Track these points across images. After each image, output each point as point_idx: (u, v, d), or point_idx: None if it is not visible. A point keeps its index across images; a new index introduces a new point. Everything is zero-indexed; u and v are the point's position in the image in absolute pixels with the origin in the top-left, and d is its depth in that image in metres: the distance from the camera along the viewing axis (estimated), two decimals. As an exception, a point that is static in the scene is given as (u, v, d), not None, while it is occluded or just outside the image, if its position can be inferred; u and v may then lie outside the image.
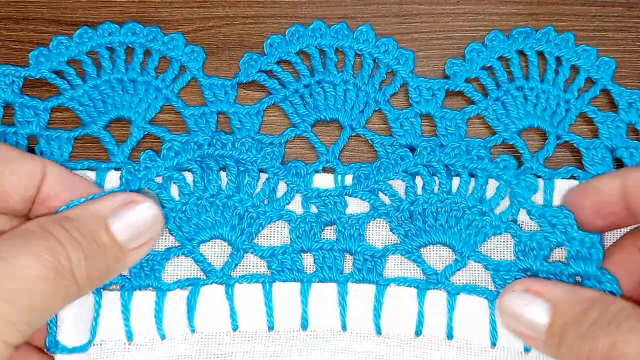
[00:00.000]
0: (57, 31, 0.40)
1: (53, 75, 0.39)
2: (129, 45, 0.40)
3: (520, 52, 0.40)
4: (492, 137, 0.39)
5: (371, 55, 0.40)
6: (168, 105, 0.40)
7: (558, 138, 0.39)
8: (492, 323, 0.37)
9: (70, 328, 0.36)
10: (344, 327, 0.38)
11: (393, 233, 0.38)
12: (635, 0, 0.41)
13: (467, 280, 0.38)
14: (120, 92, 0.39)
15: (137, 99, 0.39)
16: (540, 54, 0.40)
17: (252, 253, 0.38)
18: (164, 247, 0.38)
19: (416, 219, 0.38)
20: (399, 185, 0.38)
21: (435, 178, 0.38)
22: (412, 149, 0.39)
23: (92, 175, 0.38)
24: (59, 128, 0.39)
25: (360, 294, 0.38)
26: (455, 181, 0.38)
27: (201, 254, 0.38)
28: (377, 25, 0.41)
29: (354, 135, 0.40)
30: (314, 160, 0.39)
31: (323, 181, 0.39)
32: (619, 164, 0.39)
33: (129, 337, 0.37)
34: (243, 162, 0.38)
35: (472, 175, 0.38)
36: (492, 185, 0.38)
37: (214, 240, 0.39)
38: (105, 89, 0.39)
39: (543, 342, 0.33)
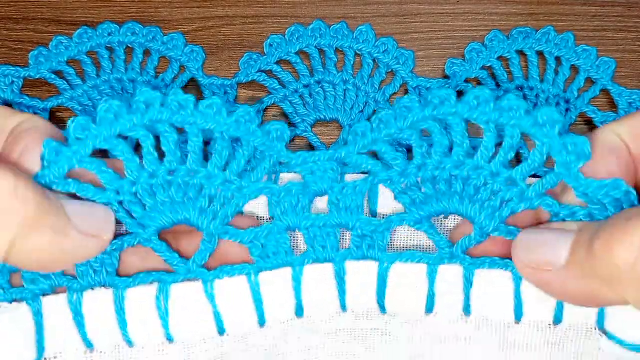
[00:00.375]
0: (57, 31, 0.40)
1: (53, 76, 0.39)
2: (129, 45, 0.40)
3: (520, 52, 0.40)
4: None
5: (371, 55, 0.40)
6: (168, 105, 0.40)
7: (558, 138, 0.39)
8: (517, 296, 0.31)
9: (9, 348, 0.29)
10: (343, 308, 0.32)
11: (397, 201, 0.32)
12: (635, 0, 0.41)
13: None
14: (120, 92, 0.39)
15: (137, 99, 0.39)
16: (540, 54, 0.40)
17: (228, 238, 0.31)
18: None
19: (424, 186, 0.31)
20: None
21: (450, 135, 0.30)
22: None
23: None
24: (59, 128, 0.39)
25: (361, 272, 0.31)
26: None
27: (162, 242, 0.31)
28: (377, 25, 0.41)
29: (353, 135, 0.40)
30: (313, 160, 0.39)
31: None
32: (619, 164, 0.38)
33: (89, 345, 0.30)
34: (209, 129, 0.30)
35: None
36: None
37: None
38: (105, 89, 0.39)
39: (567, 263, 0.26)
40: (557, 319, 0.31)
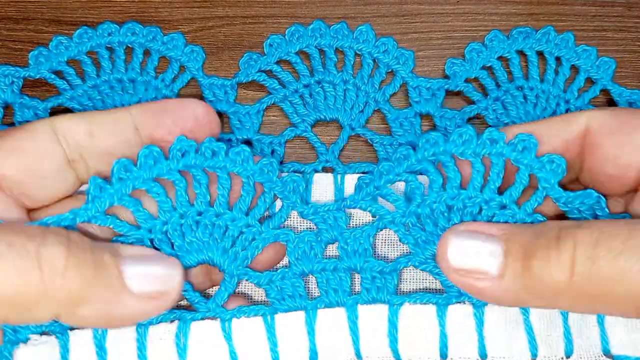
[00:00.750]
0: (57, 31, 0.40)
1: (53, 76, 0.39)
2: (129, 45, 0.40)
3: (520, 52, 0.40)
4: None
5: (371, 55, 0.40)
6: (168, 105, 0.40)
7: (558, 138, 0.39)
8: (529, 333, 0.33)
9: None
10: (358, 355, 0.33)
11: (403, 243, 0.34)
12: (635, 0, 0.41)
13: None
14: (120, 92, 0.39)
15: (137, 99, 0.39)
16: (540, 54, 0.40)
17: (247, 280, 0.34)
18: None
19: (425, 223, 0.33)
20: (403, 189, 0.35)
21: (443, 172, 0.33)
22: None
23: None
24: (59, 128, 0.39)
25: (372, 315, 0.33)
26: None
27: (187, 282, 0.33)
28: (377, 25, 0.41)
29: (353, 135, 0.40)
30: (313, 160, 0.39)
31: (323, 180, 0.38)
32: (619, 164, 0.38)
33: None
34: (238, 174, 0.33)
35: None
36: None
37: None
38: (104, 89, 0.39)
39: (501, 279, 0.29)
40: (568, 352, 0.33)
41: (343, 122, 0.39)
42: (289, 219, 0.37)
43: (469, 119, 0.40)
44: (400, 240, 0.34)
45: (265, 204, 0.34)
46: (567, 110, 0.39)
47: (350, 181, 0.38)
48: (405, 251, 0.36)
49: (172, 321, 0.33)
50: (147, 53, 0.40)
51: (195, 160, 0.32)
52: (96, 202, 0.31)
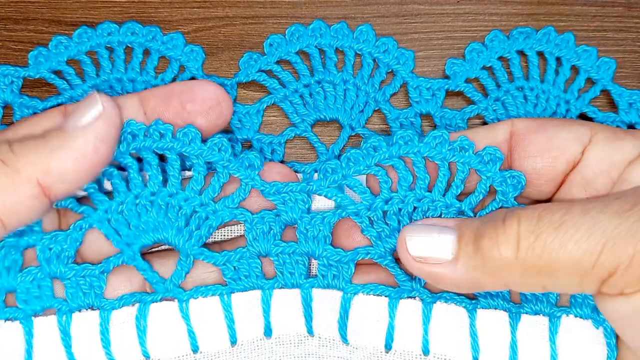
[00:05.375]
0: (57, 31, 0.40)
1: (52, 75, 0.39)
2: (128, 45, 0.40)
3: (521, 53, 0.40)
4: (492, 137, 0.39)
5: (371, 55, 0.40)
6: (168, 105, 0.40)
7: (558, 138, 0.39)
8: (473, 335, 0.33)
9: None
10: (310, 332, 0.34)
11: (364, 235, 0.34)
12: (636, 0, 0.41)
13: None
14: (120, 91, 0.39)
15: (137, 99, 0.39)
16: (540, 54, 0.40)
17: (202, 259, 0.34)
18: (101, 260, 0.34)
19: (390, 219, 0.34)
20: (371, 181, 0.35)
21: (413, 171, 0.34)
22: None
23: None
24: (59, 128, 0.39)
25: (327, 300, 0.34)
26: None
27: (145, 261, 0.34)
28: (377, 25, 0.41)
29: (353, 135, 0.40)
30: (313, 160, 0.39)
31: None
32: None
33: None
34: (186, 155, 0.33)
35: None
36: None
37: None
38: (104, 89, 0.39)
39: (456, 262, 0.30)
40: (513, 355, 0.33)
41: (343, 122, 0.39)
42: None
43: (469, 119, 0.39)
44: (362, 232, 0.34)
45: (219, 182, 0.34)
46: (567, 111, 0.39)
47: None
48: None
49: (133, 304, 0.33)
50: (146, 53, 0.40)
51: (144, 142, 0.33)
52: None
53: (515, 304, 0.34)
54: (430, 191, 0.34)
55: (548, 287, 0.29)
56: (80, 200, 0.34)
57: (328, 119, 0.39)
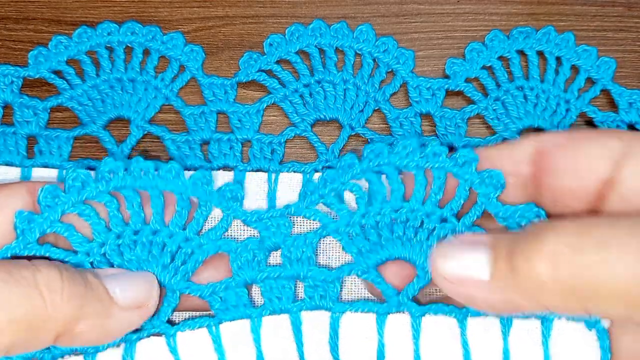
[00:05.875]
0: (57, 31, 0.40)
1: (52, 75, 0.39)
2: (128, 45, 0.40)
3: (521, 52, 0.40)
4: (492, 137, 0.39)
5: (371, 55, 0.40)
6: (167, 105, 0.40)
7: (558, 138, 0.39)
8: (465, 346, 0.33)
9: None
10: (302, 358, 0.33)
11: (345, 252, 0.34)
12: (636, 0, 0.41)
13: (435, 299, 0.34)
14: (120, 91, 0.39)
15: (137, 99, 0.39)
16: (540, 53, 0.40)
17: (189, 293, 0.33)
18: None
19: (369, 234, 0.34)
20: (349, 198, 0.35)
21: (386, 183, 0.33)
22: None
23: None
24: (59, 128, 0.39)
25: (316, 321, 0.33)
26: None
27: None
28: (377, 25, 0.41)
29: (353, 135, 0.39)
30: (313, 159, 0.39)
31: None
32: (619, 164, 0.38)
33: None
34: (169, 191, 0.33)
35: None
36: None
37: None
38: (104, 89, 0.39)
39: (491, 283, 0.28)
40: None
41: (343, 121, 0.39)
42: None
43: (469, 119, 0.39)
44: (343, 249, 0.34)
45: (203, 217, 0.34)
46: (567, 110, 0.39)
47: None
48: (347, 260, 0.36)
49: (118, 345, 0.32)
50: (146, 53, 0.40)
51: (124, 181, 0.32)
52: (26, 233, 0.31)
53: None
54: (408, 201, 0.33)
55: (592, 311, 0.26)
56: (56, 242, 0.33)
57: (328, 118, 0.39)
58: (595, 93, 0.39)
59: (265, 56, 0.40)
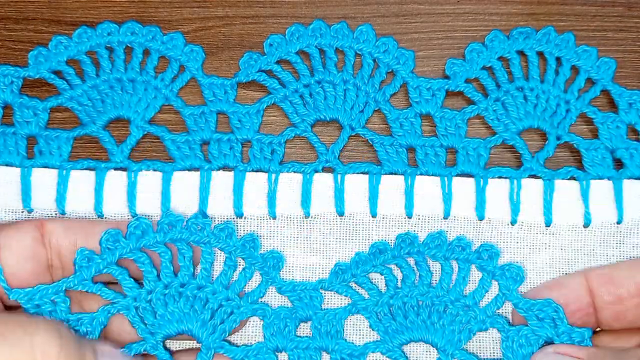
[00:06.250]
0: (57, 31, 0.40)
1: (52, 75, 0.39)
2: (128, 45, 0.40)
3: (521, 53, 0.40)
4: (492, 138, 0.39)
5: (371, 55, 0.40)
6: (167, 105, 0.40)
7: (558, 139, 0.39)
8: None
9: None
10: None
11: (372, 329, 0.37)
12: (636, 0, 0.41)
13: None
14: (120, 91, 0.39)
15: (137, 99, 0.39)
16: (540, 54, 0.40)
17: (223, 353, 0.35)
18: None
19: (396, 314, 0.36)
20: (378, 279, 0.37)
21: (415, 269, 0.37)
22: (411, 149, 0.39)
23: (91, 175, 0.38)
24: (58, 128, 0.39)
25: None
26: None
27: (165, 351, 0.35)
28: (377, 25, 0.41)
29: (353, 135, 0.39)
30: (313, 160, 0.39)
31: (323, 180, 0.38)
32: (618, 164, 0.38)
33: None
34: (220, 250, 0.36)
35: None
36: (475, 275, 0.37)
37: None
38: (104, 89, 0.39)
39: None
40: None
41: (343, 122, 0.39)
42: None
43: (469, 119, 0.39)
44: (370, 327, 0.36)
45: (245, 279, 0.36)
46: (567, 111, 0.39)
47: (351, 181, 0.38)
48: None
49: None
50: (146, 53, 0.40)
51: (181, 234, 0.35)
52: (83, 270, 0.33)
53: None
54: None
55: None
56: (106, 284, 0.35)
57: (328, 119, 0.39)
58: (595, 93, 0.39)
59: (265, 56, 0.40)
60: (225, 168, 0.39)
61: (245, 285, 0.36)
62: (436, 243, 0.37)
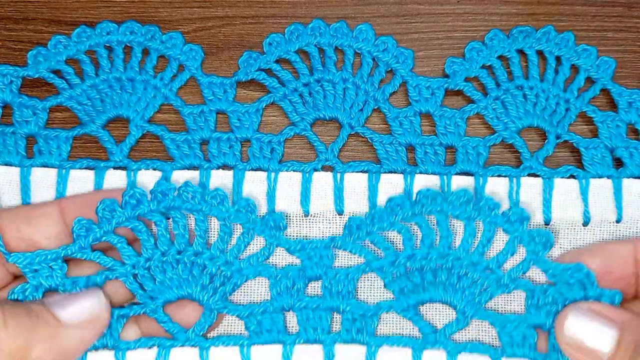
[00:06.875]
0: (57, 31, 0.40)
1: (51, 75, 0.39)
2: (128, 45, 0.40)
3: (520, 52, 0.40)
4: (492, 136, 0.39)
5: (370, 54, 0.40)
6: (167, 104, 0.40)
7: (558, 137, 0.39)
8: None
9: None
10: None
11: (387, 289, 0.35)
12: (636, 0, 0.41)
13: (468, 337, 0.36)
14: (119, 91, 0.39)
15: (136, 98, 0.39)
16: (540, 53, 0.40)
17: (227, 313, 0.35)
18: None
19: (412, 275, 0.35)
20: (394, 236, 0.36)
21: (436, 229, 0.35)
22: (411, 148, 0.39)
23: (91, 175, 0.38)
24: (58, 127, 0.39)
25: (350, 355, 0.35)
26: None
27: (165, 314, 0.35)
28: (377, 25, 0.41)
29: (353, 134, 0.39)
30: (313, 159, 0.39)
31: (322, 179, 0.38)
32: (618, 163, 0.38)
33: None
34: (214, 216, 0.35)
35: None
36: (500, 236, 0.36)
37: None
38: (103, 88, 0.39)
39: (611, 356, 0.30)
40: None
41: (342, 121, 0.39)
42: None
43: (469, 118, 0.39)
44: (385, 287, 0.35)
45: (244, 243, 0.36)
46: (566, 110, 0.39)
47: (350, 180, 0.38)
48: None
49: (150, 347, 0.34)
50: (146, 52, 0.40)
51: (174, 202, 0.35)
52: (81, 239, 0.34)
53: (541, 353, 0.34)
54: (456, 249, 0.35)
55: None
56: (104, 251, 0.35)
57: (327, 118, 0.39)
58: (594, 92, 0.39)
59: (264, 55, 0.40)
60: (224, 167, 0.39)
61: (244, 250, 0.36)
62: (461, 201, 0.34)
